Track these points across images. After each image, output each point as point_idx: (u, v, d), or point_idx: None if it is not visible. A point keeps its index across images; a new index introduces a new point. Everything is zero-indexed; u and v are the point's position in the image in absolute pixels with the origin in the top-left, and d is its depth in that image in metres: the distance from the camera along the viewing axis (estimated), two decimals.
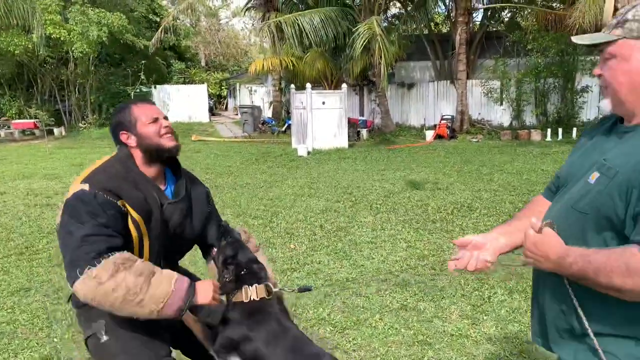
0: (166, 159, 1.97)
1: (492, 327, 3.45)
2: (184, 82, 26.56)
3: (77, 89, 20.40)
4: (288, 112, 19.03)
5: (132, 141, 1.91)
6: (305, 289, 2.25)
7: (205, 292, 1.82)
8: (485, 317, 3.59)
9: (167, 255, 2.00)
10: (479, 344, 3.25)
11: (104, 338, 1.85)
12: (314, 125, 13.99)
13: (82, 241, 1.68)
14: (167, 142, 1.92)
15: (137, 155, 1.91)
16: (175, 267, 2.13)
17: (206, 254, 2.21)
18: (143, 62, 18.84)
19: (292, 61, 16.18)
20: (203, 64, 41.85)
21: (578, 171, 1.42)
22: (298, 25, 14.39)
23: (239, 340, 1.86)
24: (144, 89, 21.18)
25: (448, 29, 19.16)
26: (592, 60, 14.32)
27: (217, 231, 2.16)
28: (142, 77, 18.43)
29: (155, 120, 1.92)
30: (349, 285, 4.27)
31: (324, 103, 14.04)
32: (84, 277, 1.65)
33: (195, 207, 2.05)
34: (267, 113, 20.84)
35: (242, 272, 1.94)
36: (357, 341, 3.30)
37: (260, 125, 18.93)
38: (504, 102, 15.97)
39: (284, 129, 18.14)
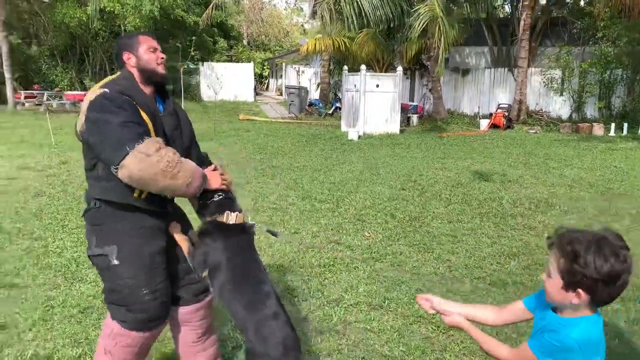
0: (157, 85, 2.26)
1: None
2: (230, 60, 26.47)
3: None
4: (335, 95, 18.72)
5: (132, 61, 2.19)
6: (272, 232, 2.64)
7: (215, 179, 2.23)
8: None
9: None
10: None
11: (115, 262, 2.11)
12: (365, 109, 13.65)
13: (122, 126, 1.96)
14: (161, 70, 2.23)
15: (135, 74, 2.19)
16: None
17: None
18: (193, 38, 18.73)
19: (344, 42, 15.79)
20: (245, 42, 41.73)
21: None
22: (357, 3, 13.92)
23: (209, 252, 2.11)
24: (192, 65, 21.16)
25: (507, 13, 18.33)
26: None
27: (198, 156, 2.42)
28: (192, 53, 18.33)
29: (155, 50, 2.22)
30: (439, 280, 4.03)
31: (377, 86, 13.66)
32: (133, 152, 1.91)
33: (183, 123, 2.36)
34: (314, 95, 20.55)
35: (220, 196, 2.22)
36: (466, 344, 3.07)
37: (307, 107, 18.68)
38: (564, 93, 15.22)
39: (331, 111, 17.86)
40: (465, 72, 17.29)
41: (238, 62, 26.41)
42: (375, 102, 13.65)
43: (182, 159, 2.04)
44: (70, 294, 3.65)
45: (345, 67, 14.59)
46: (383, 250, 4.69)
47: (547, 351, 1.45)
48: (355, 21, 13.83)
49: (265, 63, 37.25)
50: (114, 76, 2.24)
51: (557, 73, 15.07)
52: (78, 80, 23.02)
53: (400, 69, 13.93)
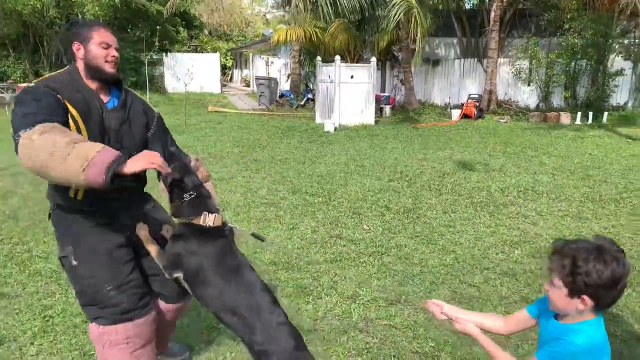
0: (104, 82, 2.15)
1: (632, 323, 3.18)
2: (195, 51, 25.77)
3: None
4: (307, 86, 18.52)
5: (80, 53, 2.10)
6: (257, 237, 2.41)
7: (137, 160, 1.86)
8: (617, 311, 3.32)
9: None
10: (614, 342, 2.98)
11: (74, 262, 2.08)
12: (340, 100, 13.54)
13: (23, 117, 1.86)
14: (108, 68, 2.11)
15: (81, 67, 2.11)
16: (132, 182, 2.19)
17: (159, 174, 2.25)
18: (157, 27, 18.07)
19: (316, 32, 15.59)
20: (206, 32, 40.76)
21: None
22: None
23: (184, 255, 2.02)
24: (155, 56, 20.47)
25: (472, 4, 18.57)
26: (626, 43, 13.95)
27: (164, 153, 2.27)
28: (157, 43, 17.69)
29: (107, 46, 2.11)
30: (450, 272, 3.98)
31: (352, 77, 13.56)
32: (21, 139, 1.79)
33: (133, 118, 2.22)
34: (284, 86, 20.27)
35: (191, 195, 2.07)
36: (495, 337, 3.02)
37: (277, 99, 18.41)
38: (531, 83, 15.56)
39: (302, 102, 17.66)
40: (436, 62, 17.42)
41: (202, 52, 25.72)
42: (350, 93, 13.56)
43: (83, 142, 1.79)
44: (68, 302, 3.40)
45: (319, 58, 14.41)
46: (386, 243, 4.61)
47: (553, 354, 1.50)
48: (330, 11, 13.63)
49: (229, 53, 36.50)
50: (58, 71, 2.17)
51: (525, 64, 15.38)
52: (32, 72, 21.86)
53: (374, 59, 13.87)
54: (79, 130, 1.98)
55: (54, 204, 2.15)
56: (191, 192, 2.09)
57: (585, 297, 1.44)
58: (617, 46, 14.08)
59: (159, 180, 2.27)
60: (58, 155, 1.73)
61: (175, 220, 2.17)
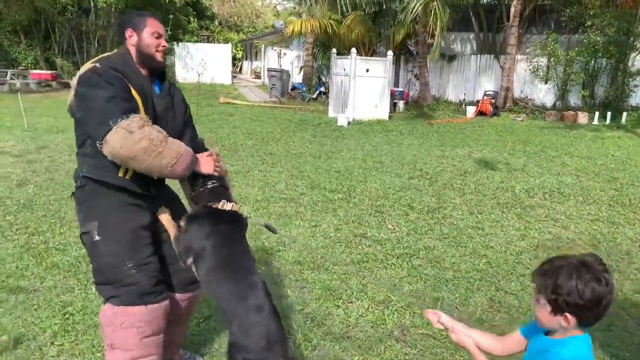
0: (153, 70, 2.20)
1: None
2: (207, 41, 25.56)
3: (97, 41, 19.48)
4: (319, 79, 18.30)
5: (133, 40, 2.14)
6: (270, 228, 2.45)
7: (207, 163, 2.16)
8: None
9: None
10: None
11: (96, 237, 2.08)
12: (355, 94, 13.33)
13: (108, 101, 1.93)
14: (159, 57, 2.19)
15: (133, 53, 2.15)
16: None
17: None
18: (169, 16, 17.87)
19: (331, 24, 15.35)
20: (216, 23, 40.52)
21: None
22: None
23: (195, 239, 2.03)
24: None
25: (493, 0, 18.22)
26: None
27: (192, 140, 2.35)
28: (169, 32, 17.46)
29: (160, 36, 2.18)
30: (484, 277, 3.80)
31: (367, 70, 13.34)
32: (116, 128, 1.87)
33: (176, 104, 2.30)
34: (297, 78, 20.05)
35: (214, 183, 2.15)
36: None
37: (289, 91, 18.20)
38: (549, 81, 15.28)
39: (315, 95, 17.45)
40: (451, 58, 17.15)
41: (214, 42, 25.49)
42: (365, 87, 13.35)
43: (170, 139, 1.99)
44: (88, 299, 3.26)
45: (334, 50, 14.18)
46: (414, 244, 4.44)
47: None
48: (347, 2, 13.37)
49: (239, 45, 36.25)
50: (109, 53, 2.20)
51: (543, 61, 15.08)
52: (43, 59, 21.74)
53: (390, 53, 13.63)
54: (137, 112, 2.03)
55: (86, 178, 2.12)
56: (214, 181, 2.16)
57: (567, 315, 1.44)
58: (639, 44, 13.75)
59: None
60: (153, 151, 1.91)
61: (193, 206, 2.20)
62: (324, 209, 5.41)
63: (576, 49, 13.96)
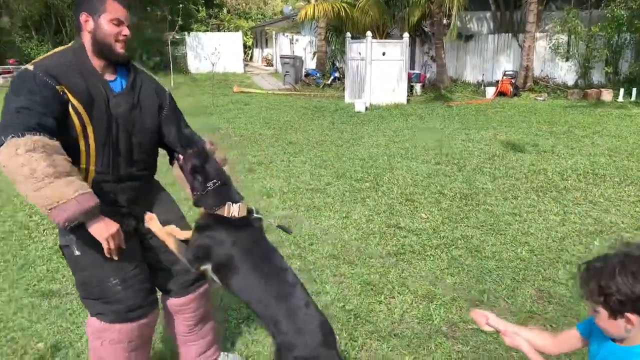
0: (112, 62, 1.96)
1: None
2: (218, 30, 25.35)
3: None
4: (333, 64, 18.03)
5: (88, 25, 1.89)
6: (284, 229, 2.19)
7: (100, 230, 1.80)
8: None
9: (127, 153, 1.98)
10: None
11: (76, 252, 1.91)
12: (372, 78, 13.07)
13: (16, 111, 1.72)
14: (119, 49, 1.93)
15: (88, 41, 1.90)
16: (142, 171, 2.10)
17: (171, 159, 2.20)
18: (180, 5, 17.67)
19: (344, 7, 15.04)
20: (225, 11, 40.18)
21: None
22: None
23: (212, 246, 1.88)
24: (177, 36, 20.12)
25: None
26: None
27: (179, 135, 2.16)
28: (180, 22, 17.29)
29: (119, 23, 1.91)
30: (528, 267, 3.63)
31: (384, 54, 13.06)
32: (6, 143, 1.67)
33: (145, 101, 2.03)
34: (310, 64, 19.79)
35: (215, 184, 1.94)
36: None
37: (303, 78, 17.97)
38: (570, 59, 14.83)
39: (329, 81, 17.21)
40: (468, 38, 16.72)
41: (224, 31, 25.26)
42: (382, 71, 13.07)
43: (65, 179, 1.69)
44: None
45: (348, 34, 13.89)
46: (451, 234, 4.28)
47: None
48: None
49: (249, 32, 35.93)
50: (63, 47, 1.97)
51: (563, 38, 14.64)
52: None
53: (406, 35, 13.32)
54: (83, 124, 1.84)
55: None
56: (215, 181, 1.95)
57: (627, 314, 1.31)
58: None
59: (171, 165, 2.18)
60: (32, 183, 1.66)
61: (198, 209, 2.01)
62: (352, 199, 5.26)
63: (599, 24, 13.48)
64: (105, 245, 1.82)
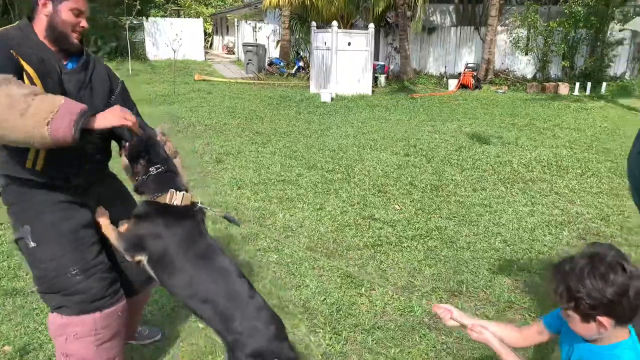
0: (65, 51, 1.89)
1: None
2: (177, 16, 24.63)
3: None
4: (298, 53, 17.87)
5: (46, 9, 1.83)
6: (231, 220, 2.17)
7: (107, 115, 1.72)
8: None
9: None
10: None
11: (32, 244, 1.83)
12: (337, 69, 13.03)
13: None
14: (73, 39, 1.88)
15: (41, 25, 1.84)
16: (95, 154, 2.00)
17: (120, 147, 2.08)
18: None
19: None
20: None
21: None
22: None
23: (147, 236, 1.82)
24: (135, 21, 19.41)
25: None
26: (625, 12, 13.67)
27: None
28: (138, 6, 16.65)
29: (80, 13, 1.88)
30: (503, 257, 3.70)
31: (349, 44, 13.04)
32: None
33: (95, 83, 1.97)
34: (273, 53, 19.53)
35: (157, 169, 1.88)
36: None
37: (267, 67, 17.73)
38: (529, 53, 15.25)
39: (293, 71, 17.06)
40: (431, 30, 16.93)
41: (183, 17, 24.55)
42: (347, 61, 13.06)
43: (44, 94, 1.62)
44: None
45: (313, 23, 13.78)
46: (425, 225, 4.30)
47: None
48: None
49: (208, 19, 35.12)
50: (8, 26, 1.88)
51: (523, 32, 15.02)
52: None
53: (372, 26, 13.33)
54: None
55: (5, 177, 1.87)
56: (158, 166, 1.89)
57: (599, 318, 1.29)
58: (617, 14, 13.77)
59: (120, 155, 2.05)
60: (16, 109, 1.53)
61: (138, 197, 1.94)
62: (325, 191, 5.22)
63: (557, 19, 13.91)
64: (128, 123, 1.76)
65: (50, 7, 1.82)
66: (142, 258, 1.83)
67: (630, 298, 1.26)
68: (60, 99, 1.61)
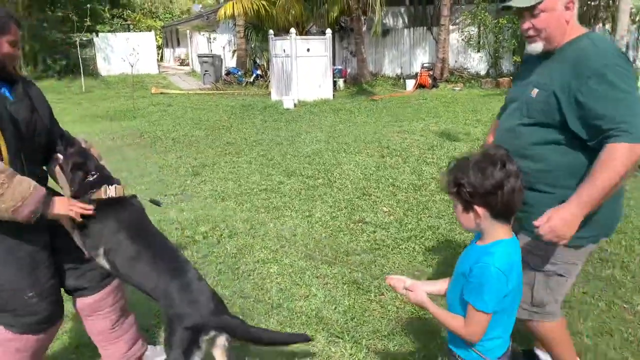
0: (4, 79, 1.98)
1: None
2: (128, 30, 23.98)
3: None
4: (255, 62, 17.75)
5: None
6: (155, 202, 2.49)
7: (62, 204, 1.95)
8: None
9: (33, 154, 2.03)
10: None
11: None
12: (298, 75, 13.02)
13: None
14: (10, 68, 1.98)
15: None
16: (43, 172, 2.16)
17: (49, 159, 2.19)
18: (88, 5, 16.46)
19: (263, 5, 14.83)
20: (131, 11, 38.15)
21: (521, 93, 1.92)
22: None
23: (102, 229, 2.03)
24: (84, 38, 18.77)
25: None
26: None
27: (59, 135, 2.21)
28: (88, 22, 16.09)
29: (16, 44, 1.96)
30: None
31: (308, 50, 13.05)
32: None
33: (38, 104, 2.09)
34: (229, 63, 19.32)
35: (95, 175, 2.10)
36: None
37: (225, 76, 17.51)
38: (481, 50, 15.74)
39: (252, 79, 16.92)
40: (385, 32, 17.18)
41: (134, 31, 23.91)
42: (307, 67, 13.06)
43: (18, 177, 1.80)
44: None
45: (271, 32, 13.71)
46: (417, 226, 4.33)
47: (479, 293, 1.44)
48: None
49: (158, 31, 34.39)
50: None
51: (474, 30, 15.49)
52: None
53: (329, 31, 13.39)
54: None
55: None
56: (93, 173, 2.10)
57: (475, 207, 1.44)
58: None
59: (49, 165, 2.18)
60: None
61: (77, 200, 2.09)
62: (309, 197, 5.17)
63: (505, 16, 14.43)
64: (74, 215, 1.95)
65: None
66: (100, 251, 2.02)
67: (504, 192, 1.40)
68: (29, 189, 1.80)
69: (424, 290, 1.65)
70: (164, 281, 1.95)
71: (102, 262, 2.05)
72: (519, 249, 1.53)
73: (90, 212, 2.00)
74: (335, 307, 3.02)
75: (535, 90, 1.83)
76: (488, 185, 1.41)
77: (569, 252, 1.87)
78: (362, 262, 3.64)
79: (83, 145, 2.22)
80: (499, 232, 1.48)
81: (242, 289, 3.28)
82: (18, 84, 2.02)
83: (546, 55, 1.87)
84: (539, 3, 1.76)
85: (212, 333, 1.94)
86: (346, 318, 2.90)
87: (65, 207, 1.94)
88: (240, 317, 2.18)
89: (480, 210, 1.45)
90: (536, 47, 1.83)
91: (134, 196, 2.20)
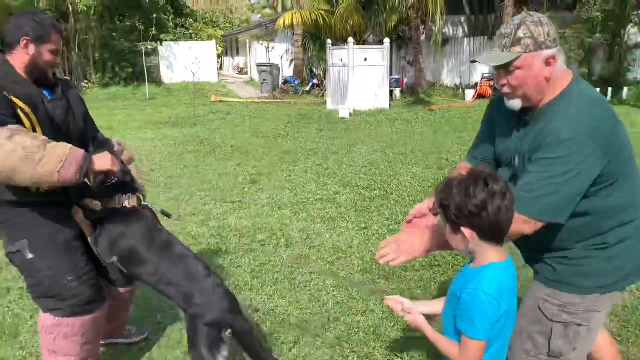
0: (41, 84, 2.08)
1: None
2: (191, 38, 24.91)
3: (78, 46, 18.73)
4: (312, 71, 17.92)
5: (29, 50, 2.01)
6: (166, 214, 2.49)
7: (102, 160, 2.03)
8: None
9: None
10: None
11: (30, 256, 2.03)
12: (354, 84, 13.01)
13: None
14: (50, 75, 2.12)
15: (20, 61, 2.01)
16: None
17: None
18: (154, 15, 17.24)
19: (322, 15, 14.97)
20: (192, 21, 39.62)
21: (506, 153, 1.84)
22: None
23: (115, 239, 2.12)
24: (150, 47, 19.63)
25: None
26: None
27: (93, 137, 2.32)
28: (154, 32, 16.84)
29: (57, 52, 2.07)
30: None
31: (366, 60, 13.03)
32: None
33: (74, 105, 2.21)
34: (287, 72, 19.63)
35: (114, 181, 2.14)
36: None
37: (282, 85, 17.78)
38: None
39: (308, 88, 17.08)
40: (444, 42, 16.90)
41: (198, 40, 24.78)
42: (364, 76, 13.04)
43: (52, 143, 1.88)
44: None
45: (329, 41, 13.81)
46: None
47: (470, 320, 1.40)
48: None
49: (219, 40, 35.49)
50: None
51: None
52: None
53: (387, 41, 13.33)
54: (31, 123, 1.96)
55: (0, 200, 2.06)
56: (112, 178, 2.14)
57: (463, 228, 1.41)
58: (635, 17, 13.66)
59: None
60: (31, 159, 1.79)
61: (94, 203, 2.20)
62: (366, 209, 5.11)
63: (574, 25, 13.82)
64: (114, 169, 2.07)
65: (32, 47, 2.00)
66: (114, 259, 2.12)
67: (489, 213, 1.35)
68: (67, 148, 1.89)
69: (420, 313, 1.60)
70: (184, 284, 2.05)
71: (119, 267, 2.17)
72: (513, 271, 1.47)
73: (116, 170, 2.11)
74: (394, 325, 2.94)
75: (517, 160, 1.76)
76: (471, 206, 1.37)
77: (589, 299, 1.72)
78: (421, 279, 3.54)
79: (115, 148, 2.29)
80: (489, 254, 1.44)
81: (298, 299, 3.27)
82: (57, 87, 2.16)
83: (527, 112, 1.74)
84: (515, 60, 1.61)
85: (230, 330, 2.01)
86: (406, 337, 2.81)
87: (107, 161, 2.04)
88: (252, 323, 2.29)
89: (467, 231, 1.41)
90: (514, 104, 1.70)
91: (143, 205, 2.27)
